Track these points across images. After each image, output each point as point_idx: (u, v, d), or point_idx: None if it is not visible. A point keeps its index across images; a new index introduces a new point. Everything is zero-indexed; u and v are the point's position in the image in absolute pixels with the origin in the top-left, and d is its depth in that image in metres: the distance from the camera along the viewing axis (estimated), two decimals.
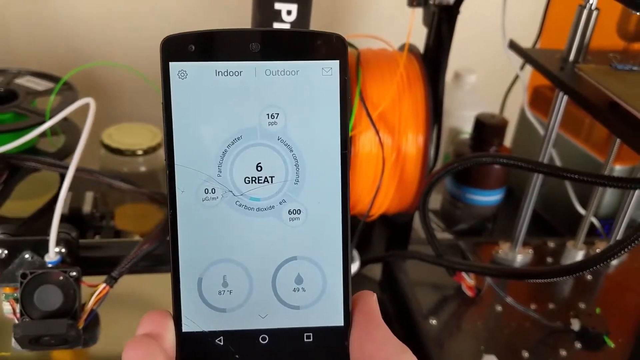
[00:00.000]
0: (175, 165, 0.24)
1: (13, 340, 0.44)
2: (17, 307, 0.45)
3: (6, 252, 0.48)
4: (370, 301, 0.26)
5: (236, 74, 0.24)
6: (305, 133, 0.25)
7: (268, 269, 0.25)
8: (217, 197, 0.25)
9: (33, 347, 0.44)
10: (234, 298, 0.25)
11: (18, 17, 0.85)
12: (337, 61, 0.25)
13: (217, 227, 0.25)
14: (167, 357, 0.24)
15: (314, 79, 0.25)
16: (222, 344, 0.25)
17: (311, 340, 0.25)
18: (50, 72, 0.76)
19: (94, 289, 0.45)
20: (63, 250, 0.48)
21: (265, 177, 0.25)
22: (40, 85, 0.74)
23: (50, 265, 0.47)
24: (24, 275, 0.44)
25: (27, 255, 0.48)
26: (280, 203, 0.25)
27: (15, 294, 0.45)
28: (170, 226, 0.25)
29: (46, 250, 0.47)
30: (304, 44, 0.25)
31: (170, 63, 0.24)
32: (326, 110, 0.25)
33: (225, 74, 0.24)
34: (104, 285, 0.45)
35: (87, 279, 0.46)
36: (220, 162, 0.25)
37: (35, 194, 0.70)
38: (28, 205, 0.68)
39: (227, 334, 0.25)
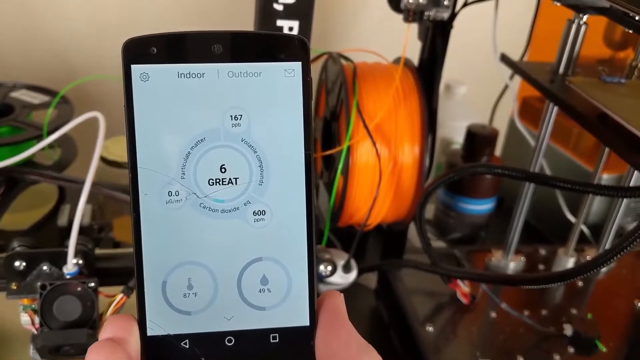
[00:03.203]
0: (138, 168, 0.24)
1: (32, 350, 0.44)
2: (36, 318, 0.45)
3: (24, 264, 0.48)
4: (336, 301, 0.26)
5: (199, 75, 0.24)
6: (269, 134, 0.25)
7: (233, 271, 0.25)
8: (181, 200, 0.25)
9: (53, 357, 0.44)
10: (199, 300, 0.25)
11: (7, 29, 0.85)
12: (300, 63, 0.25)
13: (181, 229, 0.25)
14: None
15: (277, 81, 0.25)
16: (187, 347, 0.25)
17: (277, 340, 0.25)
18: (43, 85, 0.77)
19: (111, 299, 0.46)
20: (80, 261, 0.49)
21: (230, 179, 0.25)
22: (36, 98, 0.75)
23: (68, 277, 0.48)
24: (43, 287, 0.45)
25: (45, 267, 0.48)
26: (244, 204, 0.25)
27: (34, 305, 0.46)
28: (133, 229, 0.24)
29: (63, 262, 0.48)
30: (266, 46, 0.25)
31: (132, 66, 0.24)
32: (289, 112, 0.25)
33: (188, 76, 0.24)
34: (121, 295, 0.46)
35: (103, 290, 0.47)
36: (184, 164, 0.24)
37: (30, 207, 0.70)
38: (24, 218, 0.69)
39: (192, 336, 0.25)
